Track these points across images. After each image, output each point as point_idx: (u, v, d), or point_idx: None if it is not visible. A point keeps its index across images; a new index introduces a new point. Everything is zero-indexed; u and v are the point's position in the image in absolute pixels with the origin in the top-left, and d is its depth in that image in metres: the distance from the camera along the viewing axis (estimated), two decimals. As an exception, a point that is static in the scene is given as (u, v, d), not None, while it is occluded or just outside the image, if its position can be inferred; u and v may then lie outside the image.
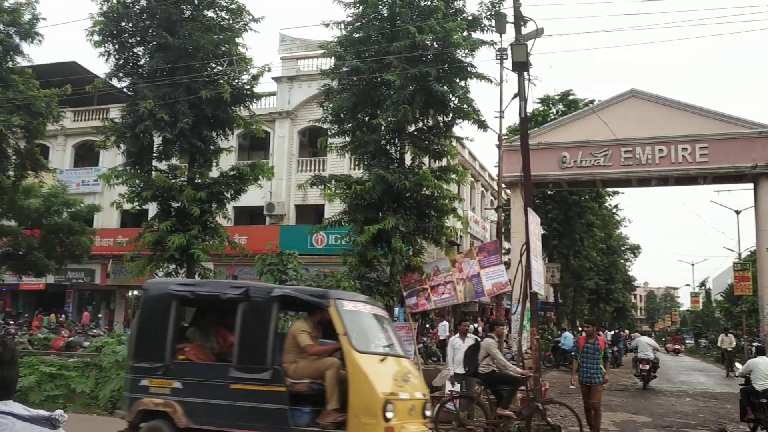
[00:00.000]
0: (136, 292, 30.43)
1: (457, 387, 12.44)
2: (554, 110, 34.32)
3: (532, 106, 23.28)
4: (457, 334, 12.88)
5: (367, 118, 16.75)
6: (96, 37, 17.28)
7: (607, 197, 41.81)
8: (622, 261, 64.24)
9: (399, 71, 15.08)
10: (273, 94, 29.08)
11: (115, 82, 18.57)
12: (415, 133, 16.86)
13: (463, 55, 16.28)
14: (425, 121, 17.05)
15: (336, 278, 14.75)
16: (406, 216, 16.04)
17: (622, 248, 64.43)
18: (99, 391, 13.59)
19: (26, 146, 21.02)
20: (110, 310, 31.24)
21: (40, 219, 23.90)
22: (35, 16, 20.46)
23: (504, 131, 25.40)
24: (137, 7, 17.59)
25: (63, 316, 29.18)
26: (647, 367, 22.25)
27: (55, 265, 23.98)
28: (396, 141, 16.70)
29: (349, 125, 17.02)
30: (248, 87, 18.16)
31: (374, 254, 16.04)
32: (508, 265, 19.67)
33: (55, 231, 23.87)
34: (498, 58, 18.24)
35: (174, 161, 18.65)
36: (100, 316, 30.80)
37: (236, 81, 17.98)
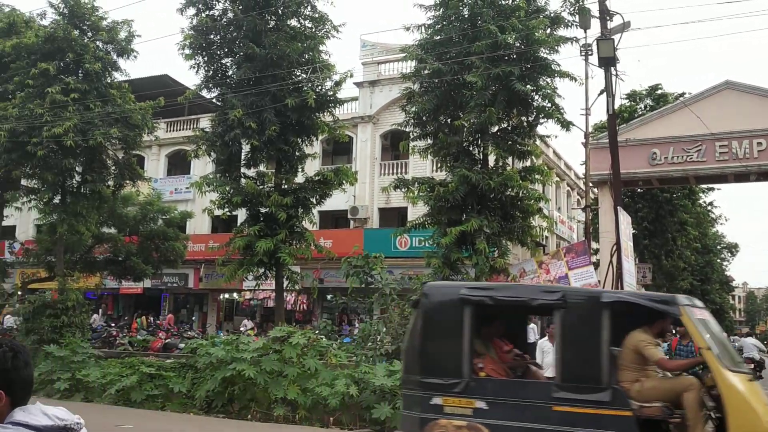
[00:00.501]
0: (226, 296, 31.46)
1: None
2: (642, 105, 33.23)
3: (618, 102, 22.65)
4: (546, 337, 12.64)
5: (449, 120, 16.73)
6: (187, 51, 18.02)
7: (701, 194, 40.08)
8: (718, 261, 61.34)
9: (481, 72, 14.99)
10: (355, 99, 29.45)
11: (204, 92, 19.29)
12: (498, 133, 16.71)
13: (546, 52, 16.02)
14: (508, 121, 16.87)
15: (421, 281, 14.75)
16: (491, 217, 15.91)
17: (719, 247, 61.54)
18: (195, 392, 14.07)
19: (124, 157, 22.10)
20: (203, 312, 32.38)
21: (137, 226, 25.07)
22: (131, 33, 21.49)
23: (590, 129, 24.80)
24: (224, 19, 18.22)
25: (157, 318, 30.46)
26: (752, 366, 21.33)
27: (151, 269, 25.06)
28: (479, 142, 16.60)
29: (432, 127, 17.04)
30: (331, 93, 18.51)
31: (458, 256, 15.99)
32: (597, 265, 19.15)
33: (152, 237, 24.96)
34: (583, 54, 17.84)
35: (261, 168, 19.20)
36: (193, 318, 32.00)
37: (320, 88, 18.34)
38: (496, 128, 16.66)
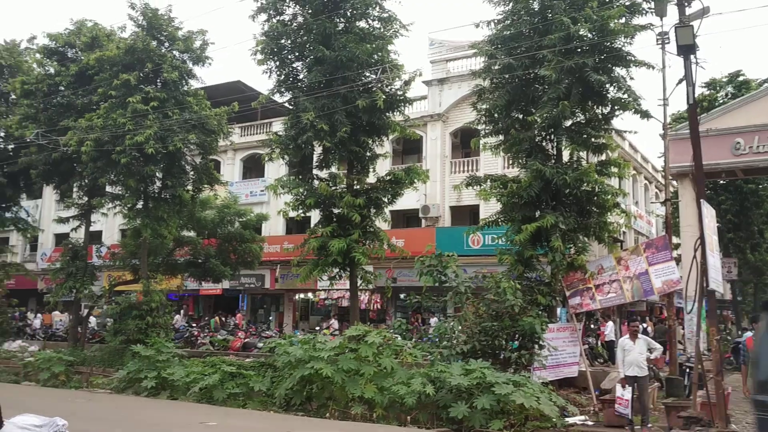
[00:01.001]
0: (302, 296, 31.95)
1: (628, 390, 11.86)
2: (722, 94, 31.83)
3: (697, 91, 21.78)
4: (627, 335, 12.29)
5: (521, 116, 16.47)
6: (259, 56, 18.37)
7: (789, 184, 38.11)
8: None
9: (553, 65, 14.70)
10: (424, 97, 29.41)
11: (277, 97, 19.63)
12: (572, 127, 16.34)
13: (622, 42, 15.56)
14: (583, 114, 16.48)
15: (495, 279, 14.59)
16: (566, 213, 15.58)
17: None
18: (274, 390, 14.34)
19: (201, 162, 22.77)
20: (279, 312, 32.99)
21: (215, 229, 25.80)
22: (205, 41, 22.14)
23: (668, 119, 23.95)
24: (295, 24, 18.49)
25: (230, 318, 31.21)
26: None
27: (229, 271, 25.75)
28: (552, 137, 16.28)
29: (503, 124, 16.82)
30: (401, 93, 18.52)
31: (532, 253, 15.74)
32: (678, 261, 18.47)
33: (229, 240, 25.64)
34: (659, 42, 17.22)
35: (333, 169, 19.39)
36: (270, 318, 32.66)
37: (389, 88, 18.37)
38: (570, 122, 16.29)
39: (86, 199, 24.53)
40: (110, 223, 34.34)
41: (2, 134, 25.22)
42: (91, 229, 25.84)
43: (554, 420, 11.86)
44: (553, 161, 16.22)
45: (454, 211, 29.06)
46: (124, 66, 20.65)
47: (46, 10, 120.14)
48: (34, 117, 22.73)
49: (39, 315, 33.47)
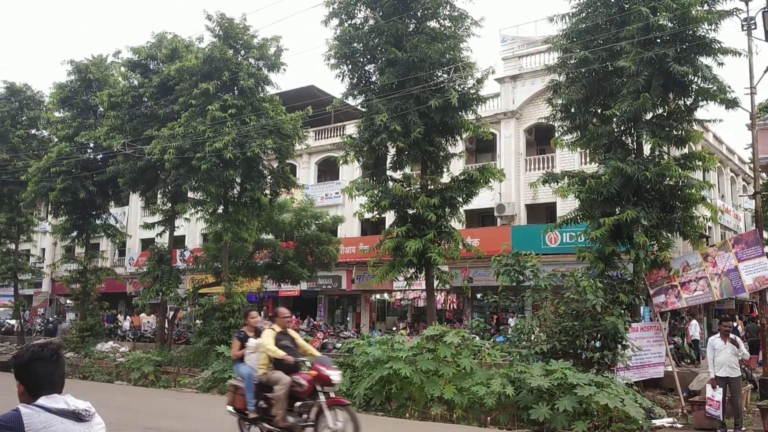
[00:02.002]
0: (378, 296, 32.15)
1: (719, 392, 11.36)
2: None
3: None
4: (717, 335, 11.78)
5: (599, 110, 16.05)
6: (332, 60, 18.60)
7: None
8: None
9: (632, 57, 14.26)
10: (497, 95, 29.08)
11: (350, 100, 19.81)
12: (653, 120, 15.80)
13: (705, 30, 14.95)
14: (664, 106, 15.92)
15: (575, 277, 14.27)
16: (648, 209, 15.09)
17: None
18: (354, 389, 14.46)
19: (278, 166, 23.23)
20: (356, 313, 33.29)
21: (292, 232, 26.30)
22: (279, 48, 22.57)
23: (756, 109, 22.84)
24: (366, 27, 18.61)
25: (314, 319, 31.71)
26: None
27: (307, 273, 26.18)
28: (632, 130, 15.80)
29: (580, 119, 16.45)
30: (474, 91, 18.38)
31: (612, 248, 15.30)
32: (771, 256, 17.58)
33: (306, 242, 26.07)
34: (745, 28, 16.46)
35: (407, 170, 19.42)
36: (348, 319, 32.99)
37: (462, 87, 18.26)
38: (651, 115, 15.76)
39: (170, 205, 25.44)
40: (192, 228, 35.49)
41: (92, 145, 26.42)
42: (175, 234, 26.79)
43: (640, 422, 11.51)
44: (634, 156, 15.74)
45: (529, 210, 28.61)
46: (203, 75, 21.29)
47: (130, 24, 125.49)
48: (121, 128, 23.72)
49: (128, 317, 34.96)
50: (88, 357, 22.67)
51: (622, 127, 15.90)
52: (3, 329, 37.18)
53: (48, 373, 2.74)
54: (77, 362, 22.20)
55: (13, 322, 36.04)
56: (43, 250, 45.23)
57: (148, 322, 32.24)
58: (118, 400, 15.62)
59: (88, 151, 26.49)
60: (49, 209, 29.55)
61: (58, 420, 2.62)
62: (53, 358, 2.78)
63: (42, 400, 2.67)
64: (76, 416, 2.68)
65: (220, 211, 22.69)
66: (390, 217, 22.65)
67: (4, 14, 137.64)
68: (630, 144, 16.11)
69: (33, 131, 32.48)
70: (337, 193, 32.16)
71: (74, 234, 28.29)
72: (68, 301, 37.18)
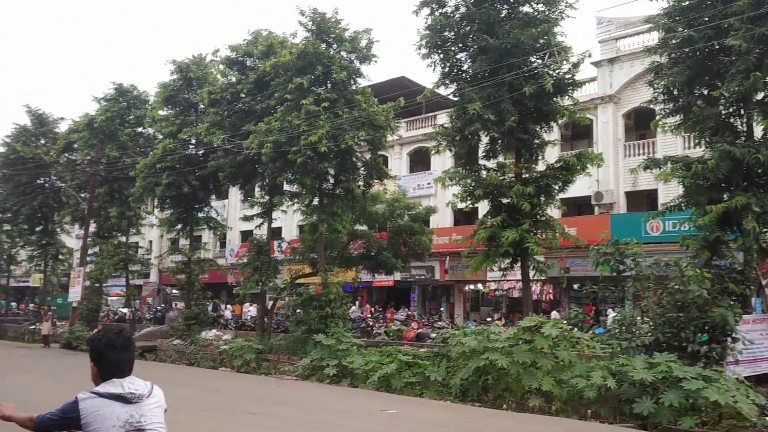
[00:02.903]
0: (472, 286, 31.96)
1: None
2: None
3: None
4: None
5: (705, 91, 15.27)
6: (423, 50, 18.56)
7: None
8: None
9: (742, 34, 13.45)
10: (593, 79, 28.16)
11: (441, 89, 19.72)
12: (765, 100, 14.87)
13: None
14: (777, 85, 14.95)
15: (679, 267, 13.65)
16: (760, 194, 14.23)
17: None
18: (450, 380, 14.46)
19: (371, 157, 23.47)
20: (450, 303, 33.22)
21: (385, 222, 26.49)
22: (370, 40, 22.73)
23: None
24: (457, 15, 18.45)
25: (408, 309, 31.87)
26: None
27: (401, 263, 26.31)
28: (742, 112, 14.94)
29: (684, 101, 15.69)
30: (569, 76, 17.89)
31: (718, 235, 14.53)
32: None
33: (399, 233, 26.20)
34: None
35: (500, 159, 19.16)
36: (441, 309, 32.98)
37: (557, 72, 17.81)
38: (762, 95, 14.84)
39: (267, 198, 26.18)
40: (289, 220, 36.46)
41: (193, 141, 27.51)
42: (273, 225, 27.54)
43: (753, 419, 10.91)
44: (743, 138, 14.88)
45: (629, 197, 27.63)
46: (297, 70, 21.73)
47: (228, 24, 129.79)
48: (220, 124, 24.58)
49: (230, 306, 36.32)
50: (193, 344, 23.69)
51: (731, 109, 15.06)
52: (116, 317, 39.49)
53: (118, 360, 3.10)
54: (183, 349, 23.27)
55: (125, 310, 38.20)
56: (151, 242, 47.67)
57: (249, 311, 33.37)
58: (223, 386, 16.29)
59: (190, 147, 27.60)
60: (156, 203, 31.04)
61: (107, 403, 2.96)
62: (125, 346, 3.14)
63: (101, 386, 3.05)
64: (124, 399, 3.00)
65: (315, 203, 23.14)
66: (483, 206, 22.43)
67: (112, 19, 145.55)
68: (739, 126, 15.24)
69: (139, 129, 34.27)
70: (429, 183, 32.15)
71: (179, 227, 29.63)
72: (174, 291, 39.07)
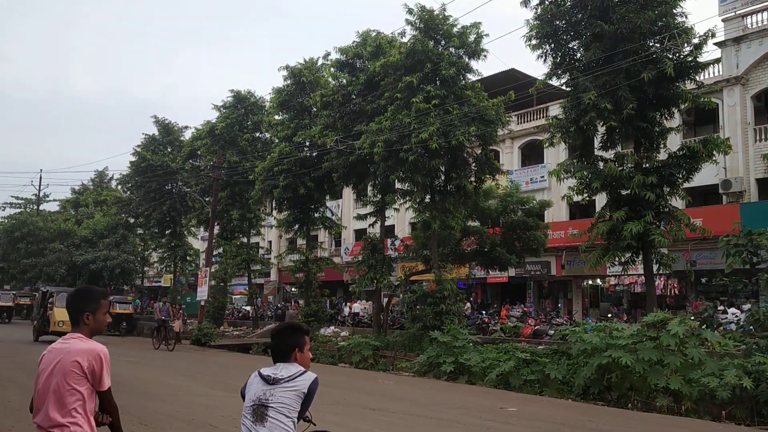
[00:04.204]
0: (590, 282, 30.96)
1: None
2: None
3: None
4: None
5: None
6: (533, 41, 18.18)
7: None
8: None
9: None
10: (718, 60, 26.51)
11: (553, 80, 19.22)
12: None
13: None
14: None
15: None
16: None
17: None
18: (570, 378, 14.09)
19: (482, 153, 23.22)
20: (568, 299, 32.32)
21: (498, 218, 26.15)
22: (479, 35, 22.51)
23: None
24: (569, 3, 17.92)
25: (524, 305, 31.30)
26: None
27: (515, 259, 25.89)
28: None
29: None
30: (691, 58, 16.95)
31: None
32: None
33: (513, 228, 25.78)
34: None
35: (618, 149, 18.45)
36: (559, 305, 32.15)
37: (677, 55, 16.93)
38: None
39: (380, 196, 26.52)
40: (401, 218, 36.72)
41: (308, 144, 28.31)
42: (385, 224, 27.86)
43: None
44: None
45: (761, 184, 25.80)
46: (406, 69, 21.85)
47: (338, 27, 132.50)
48: (333, 125, 25.15)
49: (347, 303, 37.09)
50: (313, 341, 24.32)
51: None
52: (240, 314, 41.33)
53: (275, 346, 3.79)
54: (304, 345, 23.96)
55: (248, 308, 39.92)
56: (270, 242, 49.49)
57: (364, 308, 33.94)
58: (342, 381, 16.64)
59: (305, 149, 28.40)
60: (274, 205, 32.19)
61: (257, 380, 3.69)
62: (275, 336, 3.84)
63: (263, 368, 3.74)
64: (265, 379, 3.66)
65: (427, 200, 23.19)
66: (600, 199, 21.69)
67: (228, 33, 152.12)
68: None
69: (257, 134, 35.74)
70: (542, 176, 31.45)
71: (296, 227, 30.60)
72: (293, 289, 40.39)
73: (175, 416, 10.26)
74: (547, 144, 19.10)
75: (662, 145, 17.90)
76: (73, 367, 3.39)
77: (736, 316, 17.27)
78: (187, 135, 41.32)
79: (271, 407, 3.56)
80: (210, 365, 19.74)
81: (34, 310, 32.19)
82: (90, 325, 3.60)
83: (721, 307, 18.15)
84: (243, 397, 3.71)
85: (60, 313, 24.50)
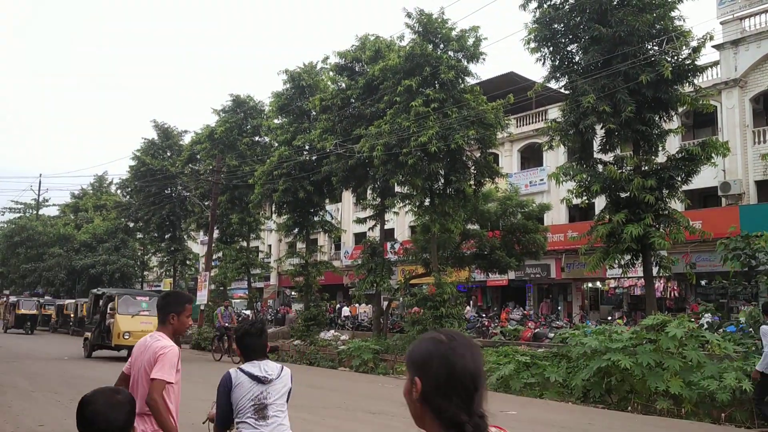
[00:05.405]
0: (590, 284, 30.96)
1: None
2: None
3: None
4: None
5: None
6: (532, 44, 18.23)
7: None
8: None
9: None
10: (716, 63, 26.54)
11: (552, 83, 19.26)
12: None
13: None
14: None
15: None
16: None
17: None
18: (570, 381, 14.10)
19: (481, 156, 23.23)
20: (567, 302, 32.33)
21: (498, 221, 26.16)
22: (478, 38, 22.53)
23: None
24: (567, 6, 17.97)
25: (524, 308, 31.28)
26: None
27: (515, 262, 25.88)
28: None
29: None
30: (689, 61, 17.00)
31: None
32: None
33: (512, 231, 25.80)
34: None
35: (617, 152, 18.49)
36: (558, 308, 32.15)
37: (675, 57, 16.97)
38: None
39: (379, 200, 26.52)
40: (401, 221, 36.75)
41: (307, 148, 28.32)
42: (385, 227, 27.86)
43: None
44: None
45: (760, 186, 25.84)
46: (405, 72, 21.87)
47: (335, 31, 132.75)
48: (332, 129, 25.17)
49: (346, 307, 37.07)
50: (313, 345, 24.36)
51: None
52: (240, 318, 41.26)
53: (254, 344, 3.95)
54: (304, 349, 23.97)
55: (248, 312, 39.90)
56: (270, 246, 49.52)
57: (364, 311, 33.93)
58: (343, 385, 16.65)
59: (304, 153, 28.42)
60: (273, 209, 32.18)
61: (247, 380, 3.84)
62: (257, 334, 3.98)
63: (245, 365, 3.90)
64: (259, 380, 3.85)
65: (426, 203, 23.20)
66: (600, 202, 21.71)
67: (226, 35, 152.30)
68: None
69: (256, 138, 35.77)
70: (541, 179, 31.48)
71: (295, 230, 30.59)
72: (293, 293, 40.38)
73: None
74: (546, 147, 19.15)
75: (661, 148, 17.92)
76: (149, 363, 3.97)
77: (708, 323, 17.35)
78: (187, 139, 41.41)
79: (270, 405, 3.89)
80: (202, 369, 19.73)
81: (86, 318, 27.19)
82: (174, 325, 4.19)
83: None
84: (224, 395, 3.88)
85: (124, 322, 21.00)
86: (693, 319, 14.78)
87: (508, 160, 34.58)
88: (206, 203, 34.47)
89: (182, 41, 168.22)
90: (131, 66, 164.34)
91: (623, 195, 17.34)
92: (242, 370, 3.88)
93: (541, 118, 32.59)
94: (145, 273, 53.35)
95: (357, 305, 33.72)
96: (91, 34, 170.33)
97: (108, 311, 22.41)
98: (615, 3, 17.29)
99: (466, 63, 22.65)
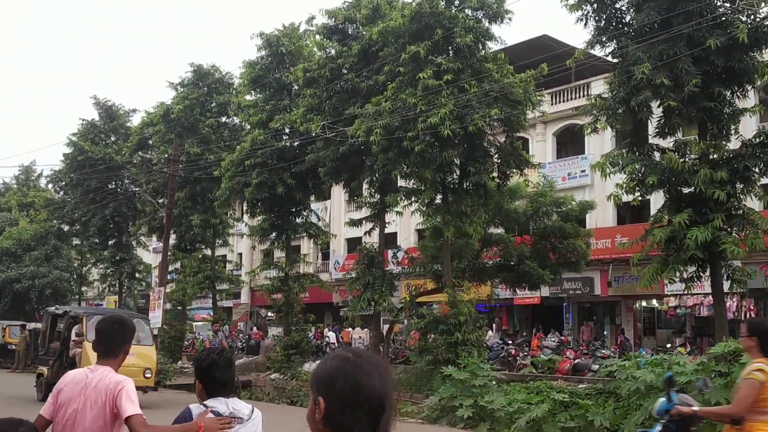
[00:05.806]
0: (645, 303, 30.95)
1: None
2: None
3: None
4: None
5: None
6: (572, 1, 18.20)
7: None
8: None
9: None
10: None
11: (596, 49, 19.30)
12: None
13: None
14: None
15: None
16: None
17: None
18: (620, 425, 14.08)
19: (506, 141, 23.18)
20: (615, 325, 32.27)
21: (527, 223, 26.10)
22: (504, -7, 22.54)
23: None
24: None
25: (561, 333, 31.26)
26: None
27: (549, 275, 25.79)
28: None
29: None
30: (770, 22, 17.04)
31: None
32: None
33: (546, 236, 25.76)
34: None
35: (679, 136, 18.50)
36: (605, 333, 32.12)
37: (753, 17, 16.99)
38: None
39: (378, 196, 26.48)
40: (405, 224, 36.74)
41: (287, 131, 28.30)
42: (386, 231, 27.83)
43: None
44: None
45: None
46: (411, 36, 21.85)
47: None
48: (318, 108, 25.15)
49: (334, 332, 36.85)
50: (295, 379, 24.31)
51: None
52: (203, 346, 41.13)
53: (222, 377, 4.07)
54: (284, 385, 23.95)
55: (218, 339, 39.30)
56: (240, 255, 49.53)
57: (360, 337, 33.84)
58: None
59: (284, 138, 28.41)
60: (245, 208, 32.11)
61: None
62: (226, 365, 4.12)
63: (210, 401, 4.01)
64: (238, 420, 3.98)
65: (438, 201, 23.18)
66: (656, 199, 21.68)
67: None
68: None
69: (223, 119, 35.74)
70: (583, 171, 31.46)
71: (273, 235, 30.60)
72: (269, 314, 40.31)
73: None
74: (589, 130, 19.13)
75: (734, 131, 17.96)
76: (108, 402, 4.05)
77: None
78: (136, 120, 41.41)
79: None
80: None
81: (37, 346, 25.84)
82: (123, 359, 4.39)
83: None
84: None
85: (93, 352, 17.55)
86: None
87: (541, 146, 34.59)
88: (160, 201, 34.46)
89: (182, 41, 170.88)
90: (131, 66, 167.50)
91: (686, 190, 17.37)
92: (206, 407, 3.98)
93: (582, 94, 32.59)
94: (84, 289, 53.34)
95: (350, 329, 33.62)
96: (91, 34, 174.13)
97: (73, 338, 20.56)
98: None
99: (487, 24, 22.64)
